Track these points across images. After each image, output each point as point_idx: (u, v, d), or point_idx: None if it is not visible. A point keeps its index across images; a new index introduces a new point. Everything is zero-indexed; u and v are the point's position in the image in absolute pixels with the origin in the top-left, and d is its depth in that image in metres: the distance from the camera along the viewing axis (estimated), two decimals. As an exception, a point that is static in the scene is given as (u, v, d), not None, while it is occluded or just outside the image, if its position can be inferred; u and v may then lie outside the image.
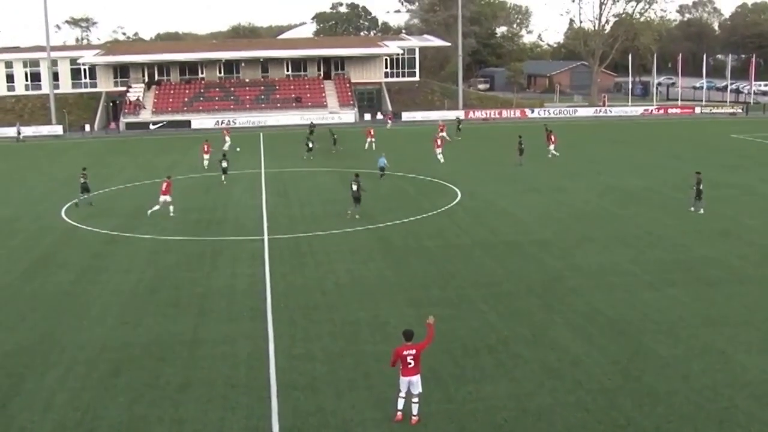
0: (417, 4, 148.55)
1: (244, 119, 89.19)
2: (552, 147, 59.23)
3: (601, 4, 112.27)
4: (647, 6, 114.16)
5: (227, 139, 64.75)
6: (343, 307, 25.75)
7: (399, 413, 18.03)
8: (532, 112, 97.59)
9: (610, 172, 52.84)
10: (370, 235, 35.72)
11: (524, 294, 27.06)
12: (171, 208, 40.38)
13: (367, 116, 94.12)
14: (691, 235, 35.13)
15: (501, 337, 22.98)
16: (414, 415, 17.98)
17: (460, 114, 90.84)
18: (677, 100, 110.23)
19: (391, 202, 43.32)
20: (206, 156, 56.97)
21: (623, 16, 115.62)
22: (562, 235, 35.47)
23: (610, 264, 30.53)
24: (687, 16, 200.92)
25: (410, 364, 17.95)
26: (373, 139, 65.93)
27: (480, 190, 46.34)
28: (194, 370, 20.98)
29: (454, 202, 42.85)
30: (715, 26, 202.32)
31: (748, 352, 21.70)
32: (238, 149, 62.41)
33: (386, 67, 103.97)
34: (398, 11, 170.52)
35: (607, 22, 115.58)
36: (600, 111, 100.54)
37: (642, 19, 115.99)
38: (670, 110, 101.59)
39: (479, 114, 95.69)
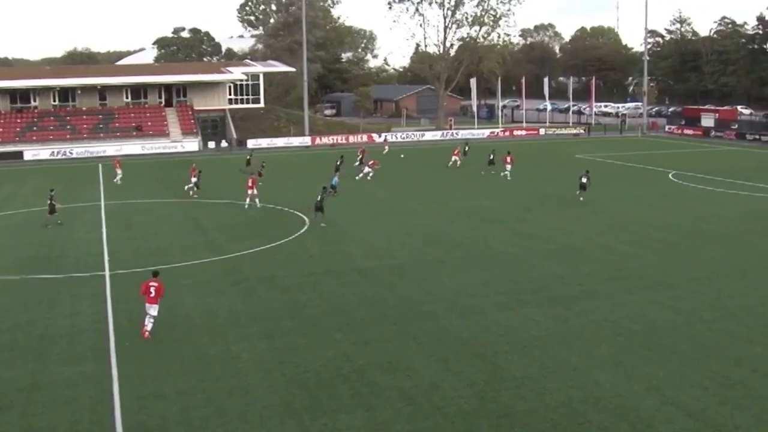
0: (261, 29, 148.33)
1: (81, 149, 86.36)
2: (509, 167, 61.93)
3: (446, 28, 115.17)
4: (490, 30, 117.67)
5: (118, 171, 62.95)
6: (193, 342, 25.28)
7: (146, 333, 25.45)
8: (379, 137, 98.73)
9: (460, 194, 54.10)
10: (220, 267, 35.25)
11: (378, 321, 27.28)
12: (257, 201, 49.43)
13: (211, 144, 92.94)
14: (541, 254, 36.35)
15: (356, 365, 23.08)
16: (147, 330, 25.44)
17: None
18: (522, 122, 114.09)
19: (239, 231, 42.91)
20: (193, 179, 56.15)
21: (467, 40, 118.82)
22: (415, 259, 36.01)
23: (463, 286, 31.20)
24: (529, 39, 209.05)
25: (152, 293, 25.47)
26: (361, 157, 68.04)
27: (329, 216, 46.44)
28: (33, 417, 20.11)
29: (303, 230, 42.83)
30: (557, 50, 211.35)
31: (600, 367, 22.58)
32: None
33: (230, 94, 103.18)
34: (242, 36, 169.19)
35: (451, 46, 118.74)
36: (447, 134, 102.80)
37: (486, 43, 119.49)
38: (515, 132, 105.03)
39: (326, 140, 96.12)
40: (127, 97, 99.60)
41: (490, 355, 23.78)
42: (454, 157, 70.36)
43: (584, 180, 51.04)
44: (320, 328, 26.53)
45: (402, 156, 77.01)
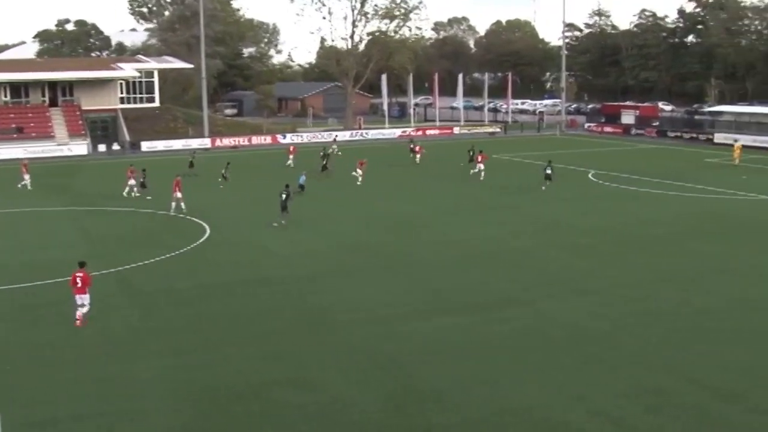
0: (155, 22, 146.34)
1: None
2: (481, 165, 62.35)
3: (354, 21, 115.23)
4: (402, 23, 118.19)
5: (25, 176, 61.13)
6: (88, 363, 24.73)
7: (78, 321, 27.44)
8: (284, 138, 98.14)
9: (376, 198, 54.25)
10: (113, 280, 34.56)
11: (287, 333, 27.19)
12: (182, 205, 48.65)
13: (102, 147, 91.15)
14: (462, 260, 36.73)
15: (265, 381, 22.96)
16: (77, 319, 27.42)
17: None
18: (435, 120, 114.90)
19: (134, 241, 42.22)
20: (131, 181, 55.97)
21: (377, 34, 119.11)
22: (328, 267, 35.98)
23: (381, 295, 31.32)
24: (442, 33, 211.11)
25: (78, 284, 27.42)
26: (292, 156, 70.95)
27: (233, 224, 46.12)
28: None
29: (204, 238, 42.39)
30: (471, 44, 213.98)
31: (524, 377, 22.93)
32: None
33: (122, 92, 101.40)
34: (134, 30, 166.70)
35: (360, 40, 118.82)
36: (356, 134, 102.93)
37: (397, 38, 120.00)
38: (428, 131, 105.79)
39: (227, 141, 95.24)
40: (5, 96, 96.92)
41: (408, 367, 23.88)
42: (417, 156, 72.82)
43: (548, 171, 56.60)
44: (227, 343, 26.30)
45: (339, 153, 77.96)
